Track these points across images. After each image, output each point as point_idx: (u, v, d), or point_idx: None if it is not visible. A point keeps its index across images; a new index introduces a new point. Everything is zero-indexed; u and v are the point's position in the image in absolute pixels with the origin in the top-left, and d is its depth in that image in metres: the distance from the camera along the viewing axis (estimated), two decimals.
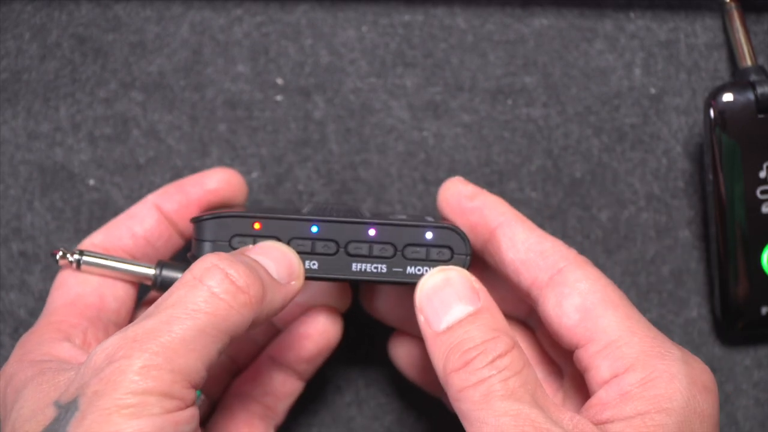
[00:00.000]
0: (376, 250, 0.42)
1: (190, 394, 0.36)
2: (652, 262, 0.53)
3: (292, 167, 0.53)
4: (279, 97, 0.53)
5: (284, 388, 0.48)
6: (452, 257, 0.43)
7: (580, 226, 0.53)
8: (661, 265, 0.53)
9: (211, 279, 0.38)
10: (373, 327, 0.52)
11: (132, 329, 0.36)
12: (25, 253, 0.53)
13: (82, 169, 0.53)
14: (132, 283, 0.46)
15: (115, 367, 0.35)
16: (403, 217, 0.45)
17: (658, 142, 0.53)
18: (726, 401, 0.53)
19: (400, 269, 0.43)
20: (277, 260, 0.41)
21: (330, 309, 0.47)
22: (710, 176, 0.51)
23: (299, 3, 0.53)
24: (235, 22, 0.53)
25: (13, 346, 0.52)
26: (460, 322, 0.40)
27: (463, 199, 0.45)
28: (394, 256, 0.43)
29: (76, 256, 0.44)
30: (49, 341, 0.42)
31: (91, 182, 0.53)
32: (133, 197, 0.52)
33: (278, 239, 0.42)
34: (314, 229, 0.42)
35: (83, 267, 0.44)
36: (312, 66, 0.53)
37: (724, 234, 0.51)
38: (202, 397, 0.47)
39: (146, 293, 0.48)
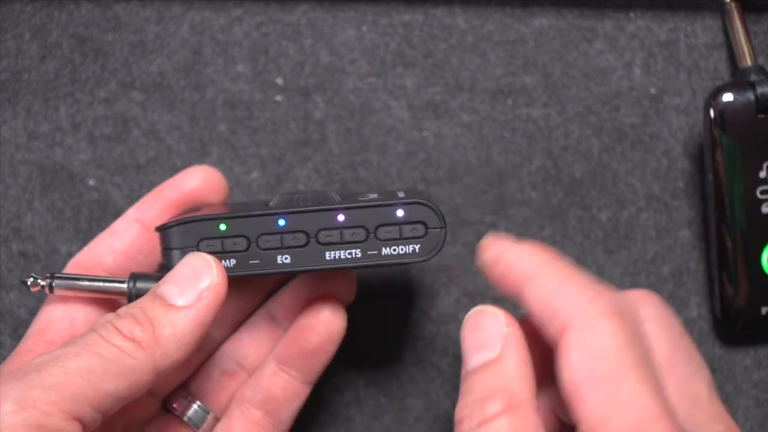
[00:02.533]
0: (348, 235, 0.41)
1: (71, 427, 0.36)
2: (652, 262, 0.53)
3: (292, 167, 0.53)
4: (279, 97, 0.53)
5: (286, 392, 0.47)
6: (427, 232, 0.42)
7: (580, 226, 0.53)
8: (661, 265, 0.53)
9: (101, 329, 0.39)
10: (372, 325, 0.52)
11: (26, 364, 0.37)
12: (25, 253, 0.53)
13: (82, 169, 0.53)
14: (106, 304, 0.45)
15: None
16: (375, 196, 0.43)
17: (658, 142, 0.53)
18: (726, 401, 0.53)
19: (375, 252, 0.42)
20: (182, 280, 0.41)
21: (334, 299, 0.46)
22: (710, 176, 0.51)
23: (299, 3, 0.53)
24: (235, 22, 0.53)
25: (12, 346, 0.53)
26: (475, 371, 0.39)
27: (490, 267, 0.42)
28: (366, 239, 0.41)
29: (48, 281, 0.43)
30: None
31: (91, 182, 0.53)
32: (133, 197, 0.52)
33: (247, 238, 0.41)
34: (281, 222, 0.41)
35: (56, 290, 0.44)
36: (312, 66, 0.53)
37: (724, 234, 0.51)
38: (210, 414, 0.47)
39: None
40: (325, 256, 0.42)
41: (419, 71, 0.53)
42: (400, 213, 0.41)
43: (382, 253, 0.42)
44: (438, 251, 0.42)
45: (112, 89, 0.53)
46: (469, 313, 0.41)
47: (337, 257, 0.42)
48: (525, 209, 0.53)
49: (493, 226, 0.53)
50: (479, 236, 0.53)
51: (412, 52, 0.53)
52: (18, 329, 0.52)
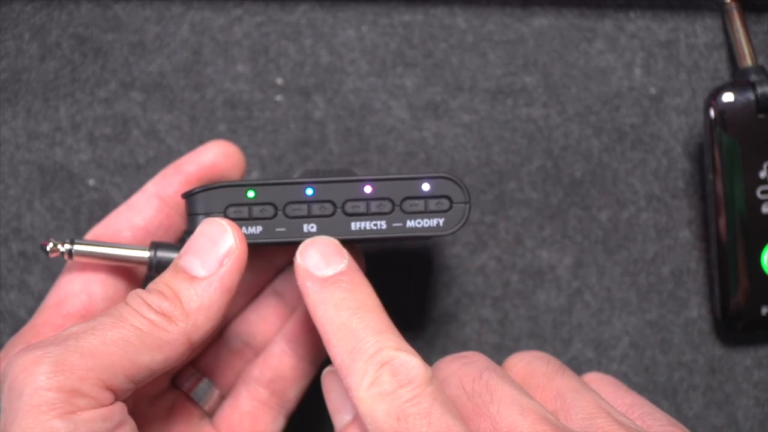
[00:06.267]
0: (374, 206, 0.42)
1: (104, 394, 0.37)
2: (652, 262, 0.53)
3: (292, 167, 0.53)
4: (279, 97, 0.53)
5: (294, 372, 0.47)
6: (451, 207, 0.42)
7: (580, 226, 0.53)
8: (661, 265, 0.53)
9: (133, 302, 0.39)
10: None
11: (63, 331, 0.38)
12: (25, 253, 0.53)
13: (82, 169, 0.53)
14: (124, 278, 0.45)
15: (28, 359, 0.37)
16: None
17: (658, 142, 0.53)
18: (726, 401, 0.53)
19: (400, 224, 0.42)
20: (201, 250, 0.41)
21: None
22: (710, 176, 0.51)
23: (299, 3, 0.53)
24: (235, 22, 0.53)
25: None
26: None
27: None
28: (392, 211, 0.42)
29: (67, 246, 0.43)
30: (22, 345, 0.42)
31: (91, 182, 0.53)
32: None
33: (274, 206, 0.42)
34: (309, 191, 0.42)
35: (75, 257, 0.43)
36: (312, 66, 0.53)
37: (724, 234, 0.51)
38: (217, 391, 0.47)
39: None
40: (350, 226, 0.42)
41: (419, 71, 0.53)
42: (425, 187, 0.42)
43: (407, 226, 0.42)
44: (462, 225, 0.43)
45: (112, 89, 0.53)
46: (324, 372, 0.43)
47: (362, 228, 0.42)
48: (525, 209, 0.53)
49: (493, 226, 0.53)
50: (479, 236, 0.53)
51: (412, 52, 0.53)
52: (18, 329, 0.52)
